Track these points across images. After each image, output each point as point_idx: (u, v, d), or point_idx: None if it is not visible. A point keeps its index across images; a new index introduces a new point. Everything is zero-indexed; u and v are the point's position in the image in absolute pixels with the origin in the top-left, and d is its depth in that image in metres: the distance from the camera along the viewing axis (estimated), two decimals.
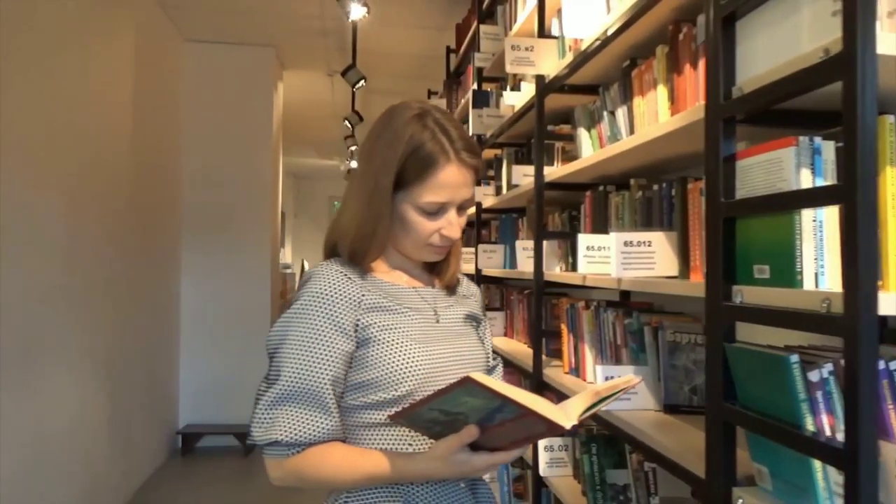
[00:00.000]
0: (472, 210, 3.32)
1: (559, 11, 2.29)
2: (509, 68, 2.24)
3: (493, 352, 1.33)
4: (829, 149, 1.01)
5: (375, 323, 1.08)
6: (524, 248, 2.48)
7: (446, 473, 1.03)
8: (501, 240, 3.23)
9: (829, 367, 0.96)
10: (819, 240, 0.99)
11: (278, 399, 1.04)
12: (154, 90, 4.40)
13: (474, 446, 1.00)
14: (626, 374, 1.06)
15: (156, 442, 4.60)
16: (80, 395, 3.27)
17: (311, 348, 1.04)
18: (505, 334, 3.18)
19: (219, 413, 5.10)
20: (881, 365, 0.88)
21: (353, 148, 7.47)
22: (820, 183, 1.00)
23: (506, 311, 3.16)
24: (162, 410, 4.75)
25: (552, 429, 0.92)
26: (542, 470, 2.18)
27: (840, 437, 0.93)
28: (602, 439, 1.88)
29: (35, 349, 2.80)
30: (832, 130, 1.01)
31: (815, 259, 0.99)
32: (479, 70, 3.32)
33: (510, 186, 2.84)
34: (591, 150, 2.10)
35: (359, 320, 1.07)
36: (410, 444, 1.08)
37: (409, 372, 1.06)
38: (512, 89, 2.91)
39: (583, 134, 2.15)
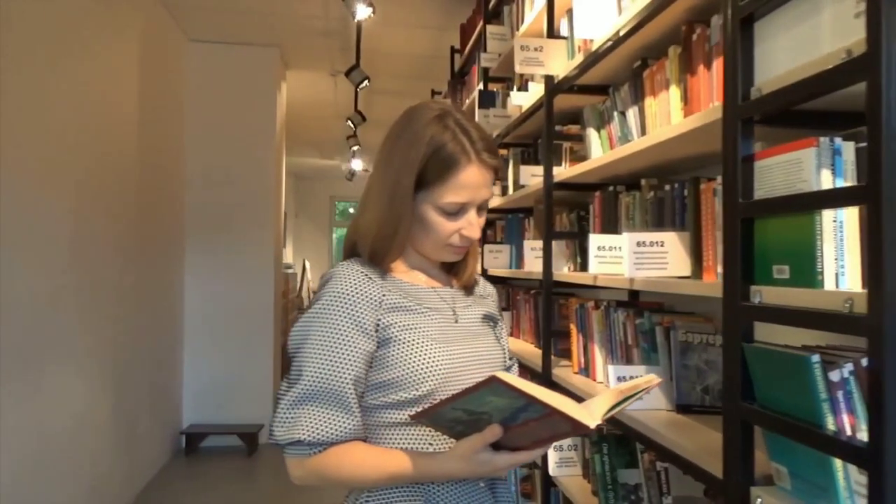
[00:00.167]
0: None
1: (568, 12, 2.30)
2: (518, 68, 2.24)
3: (508, 352, 1.33)
4: (849, 149, 1.01)
5: (396, 323, 1.08)
6: (532, 249, 2.48)
7: (468, 473, 1.03)
8: (507, 240, 3.24)
9: (849, 366, 0.97)
10: (839, 240, 0.99)
11: (300, 398, 1.04)
12: (158, 91, 4.40)
13: (496, 446, 1.00)
14: (647, 375, 1.06)
15: (159, 442, 4.60)
16: (85, 395, 3.27)
17: (332, 348, 1.05)
18: (511, 334, 3.18)
19: (222, 413, 5.11)
20: None
21: (356, 148, 7.47)
22: (840, 183, 1.00)
23: (512, 311, 3.16)
24: (166, 410, 4.75)
25: (577, 428, 0.92)
26: (552, 470, 2.19)
27: (860, 436, 0.94)
28: (613, 439, 1.88)
29: (41, 349, 2.80)
30: (852, 131, 1.02)
31: (836, 259, 0.99)
32: (485, 70, 3.33)
33: (517, 186, 2.85)
34: (600, 150, 2.10)
35: (380, 320, 1.08)
36: (431, 444, 1.08)
37: (430, 372, 1.06)
38: (519, 89, 2.92)
39: (592, 134, 2.15)
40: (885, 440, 0.83)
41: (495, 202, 3.17)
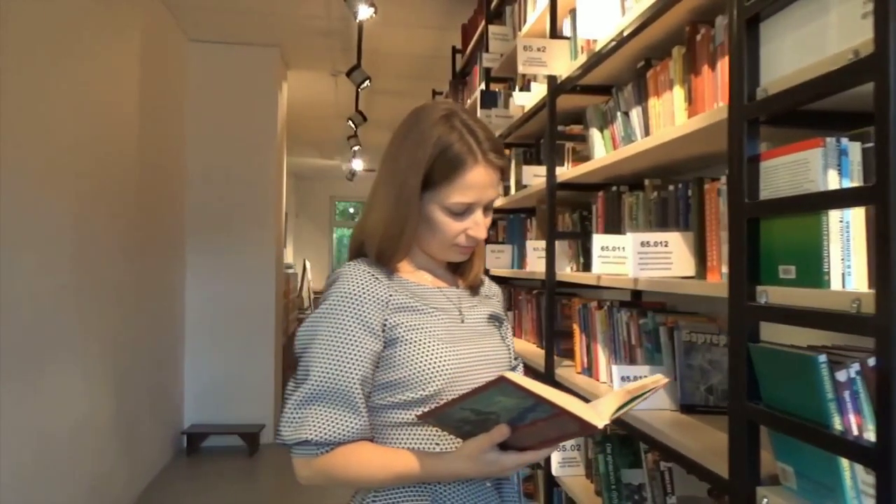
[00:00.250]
0: None
1: (571, 12, 2.30)
2: (521, 69, 2.25)
3: (513, 352, 1.33)
4: (855, 150, 1.01)
5: (403, 323, 1.08)
6: (535, 249, 2.49)
7: (475, 473, 1.03)
8: (509, 240, 3.24)
9: (856, 366, 0.97)
10: (846, 240, 1.00)
11: (308, 398, 1.04)
12: (159, 91, 4.40)
13: (503, 445, 1.01)
14: (655, 375, 1.07)
15: (161, 442, 4.61)
16: (86, 396, 3.27)
17: (340, 348, 1.05)
18: (513, 334, 3.18)
19: (223, 413, 5.11)
20: None
21: (357, 148, 7.48)
22: (847, 184, 1.00)
23: (514, 311, 3.17)
24: (167, 410, 4.75)
25: (584, 428, 0.92)
26: (555, 470, 2.19)
27: (867, 436, 0.94)
28: (617, 439, 1.88)
29: (43, 350, 2.80)
30: (858, 131, 1.02)
31: (843, 259, 0.99)
32: (487, 70, 3.33)
33: (519, 187, 2.85)
34: (603, 150, 2.10)
35: (386, 320, 1.08)
36: (438, 444, 1.08)
37: (437, 372, 1.06)
38: (521, 89, 2.92)
39: (595, 134, 2.15)
40: (893, 440, 0.83)
41: (497, 202, 3.17)
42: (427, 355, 1.07)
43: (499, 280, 3.37)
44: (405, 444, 1.08)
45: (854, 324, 0.91)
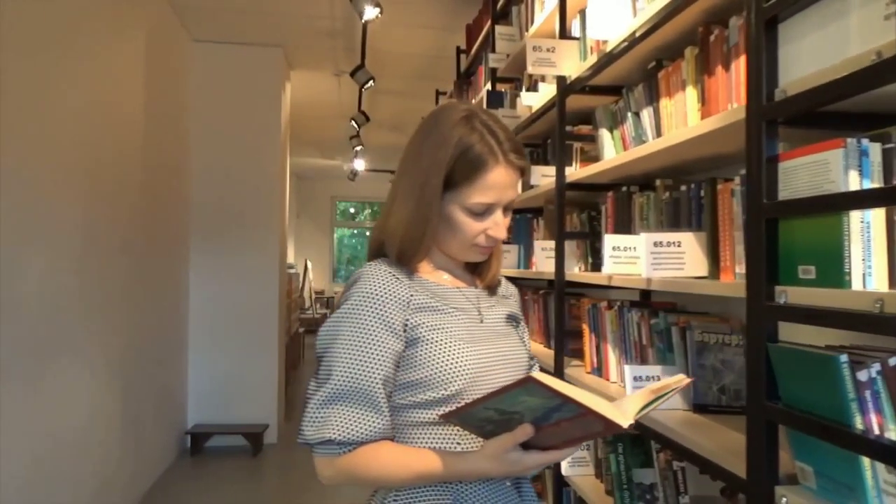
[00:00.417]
0: None
1: (580, 13, 2.31)
2: (531, 69, 2.25)
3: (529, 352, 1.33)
4: (875, 150, 1.02)
5: (424, 323, 1.09)
6: (543, 249, 2.49)
7: (497, 472, 1.04)
8: (515, 240, 3.24)
9: (876, 366, 0.97)
10: (867, 241, 1.00)
11: (330, 398, 1.04)
12: (164, 91, 4.40)
13: (525, 445, 1.01)
14: (677, 374, 1.07)
15: (165, 442, 4.61)
16: (93, 396, 3.27)
17: (362, 348, 1.05)
18: None
19: (227, 413, 5.11)
20: None
21: (359, 148, 7.48)
22: (867, 185, 1.01)
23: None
24: (171, 410, 4.75)
25: (609, 428, 0.93)
26: (564, 469, 2.19)
27: (889, 435, 0.95)
28: (628, 438, 1.89)
29: (50, 350, 2.80)
30: (878, 132, 1.02)
31: (863, 260, 1.00)
32: (493, 70, 3.33)
33: (526, 187, 2.85)
34: (613, 151, 2.11)
35: (408, 320, 1.08)
36: (459, 443, 1.09)
37: (459, 372, 1.07)
38: (527, 90, 2.92)
39: (605, 135, 2.15)
40: None
41: None
42: (448, 355, 1.07)
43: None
44: (426, 443, 1.09)
45: (877, 324, 0.91)
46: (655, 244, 1.60)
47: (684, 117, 1.67)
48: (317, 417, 1.04)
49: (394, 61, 5.43)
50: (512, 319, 1.26)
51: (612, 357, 2.08)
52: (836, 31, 1.04)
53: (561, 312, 2.33)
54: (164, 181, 4.44)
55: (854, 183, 1.01)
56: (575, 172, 2.27)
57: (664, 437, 1.52)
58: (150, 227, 4.09)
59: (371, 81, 4.80)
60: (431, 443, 1.09)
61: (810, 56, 1.10)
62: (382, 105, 6.68)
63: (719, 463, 1.29)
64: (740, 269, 1.44)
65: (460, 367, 1.07)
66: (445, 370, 1.06)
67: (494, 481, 1.10)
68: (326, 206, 12.83)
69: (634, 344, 1.94)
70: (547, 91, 2.51)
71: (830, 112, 1.13)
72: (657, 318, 1.83)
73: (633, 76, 2.04)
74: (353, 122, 6.14)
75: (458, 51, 4.72)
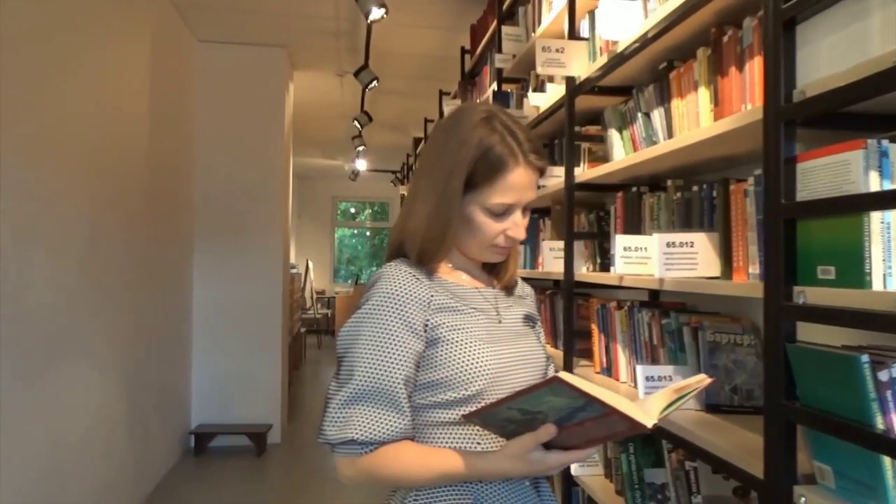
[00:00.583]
0: None
1: (589, 13, 2.31)
2: (540, 69, 2.25)
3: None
4: (895, 151, 1.02)
5: (444, 323, 1.09)
6: (551, 249, 2.49)
7: (519, 472, 1.04)
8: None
9: None
10: (887, 241, 1.00)
11: (352, 398, 1.05)
12: (169, 91, 4.40)
13: (547, 444, 1.01)
14: (699, 374, 1.07)
15: (169, 442, 4.61)
16: (98, 397, 3.27)
17: (384, 348, 1.05)
18: None
19: (231, 413, 5.11)
20: None
21: (361, 148, 7.48)
22: (887, 185, 1.01)
23: None
24: (175, 410, 4.75)
25: (633, 427, 0.93)
26: (574, 469, 2.20)
27: None
28: (639, 438, 1.89)
29: (56, 351, 2.80)
30: None
31: (884, 260, 1.00)
32: (499, 71, 3.33)
33: None
34: (622, 151, 2.11)
35: (428, 320, 1.08)
36: (479, 443, 1.09)
37: (479, 372, 1.07)
38: (534, 90, 2.92)
39: (614, 135, 2.16)
40: None
41: None
42: (469, 355, 1.07)
43: None
44: (446, 443, 1.09)
45: None
46: (668, 244, 1.61)
47: (696, 118, 1.68)
48: (339, 417, 1.05)
49: (397, 61, 5.43)
50: (529, 320, 1.26)
51: (622, 357, 2.08)
52: (857, 32, 1.05)
53: (570, 312, 2.33)
54: (168, 181, 4.44)
55: (874, 184, 1.01)
56: (584, 173, 2.28)
57: (678, 437, 1.52)
58: (154, 227, 4.09)
59: (375, 82, 4.81)
60: (452, 443, 1.09)
61: (829, 57, 1.10)
62: (385, 105, 6.68)
63: (735, 463, 1.30)
64: (753, 269, 1.44)
65: (481, 367, 1.07)
66: (466, 370, 1.07)
67: (514, 481, 1.11)
68: (327, 206, 12.82)
69: (645, 344, 1.95)
70: (555, 91, 2.52)
71: (846, 113, 1.14)
72: (668, 318, 1.83)
73: (643, 77, 2.05)
74: (355, 123, 6.14)
75: (463, 51, 4.72)
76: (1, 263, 2.33)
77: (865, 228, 1.00)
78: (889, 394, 0.97)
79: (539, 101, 2.66)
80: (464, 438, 1.09)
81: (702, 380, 1.04)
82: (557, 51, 2.24)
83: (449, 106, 4.71)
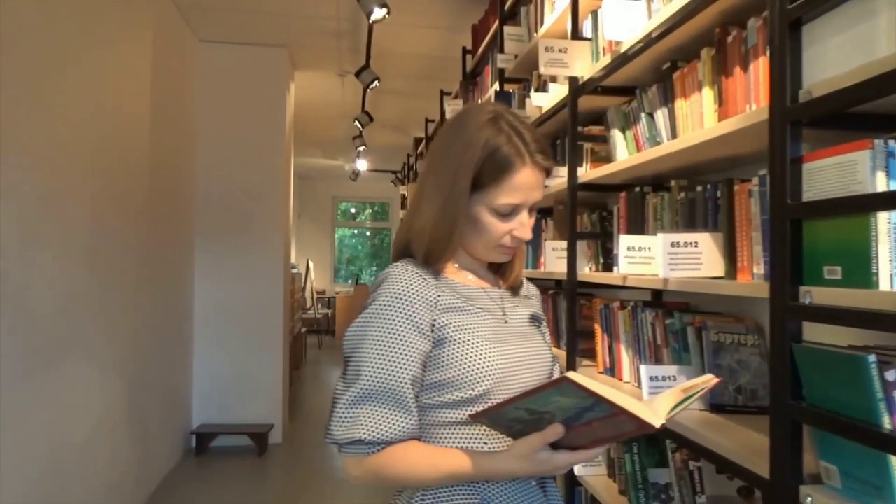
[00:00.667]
0: None
1: (592, 13, 2.31)
2: (543, 70, 2.25)
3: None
4: None
5: (451, 323, 1.09)
6: (553, 249, 2.49)
7: (526, 472, 1.04)
8: None
9: None
10: (894, 241, 1.01)
11: (359, 398, 1.05)
12: (170, 91, 4.40)
13: (554, 444, 1.01)
14: (706, 374, 1.07)
15: (171, 442, 4.61)
16: (101, 397, 3.27)
17: (391, 348, 1.06)
18: None
19: (232, 413, 5.11)
20: None
21: (362, 148, 7.48)
22: (895, 185, 1.01)
23: None
24: (176, 410, 4.75)
25: (641, 427, 0.93)
26: (577, 469, 2.20)
27: None
28: (643, 438, 1.89)
29: (59, 351, 2.80)
30: None
31: (891, 260, 1.00)
32: (501, 71, 3.33)
33: None
34: (625, 151, 2.11)
35: (435, 320, 1.09)
36: (485, 443, 1.09)
37: (486, 372, 1.07)
38: (536, 90, 2.92)
39: (617, 135, 2.16)
40: None
41: None
42: (476, 355, 1.08)
43: None
44: (453, 443, 1.09)
45: None
46: (673, 244, 1.61)
47: (700, 118, 1.68)
48: (346, 417, 1.05)
49: (398, 61, 5.43)
50: (534, 320, 1.26)
51: (625, 357, 2.09)
52: (864, 32, 1.05)
53: (573, 313, 2.33)
54: (169, 181, 4.44)
55: (881, 184, 1.01)
56: (587, 173, 2.28)
57: (682, 436, 1.52)
58: (155, 227, 4.09)
59: (376, 82, 4.81)
60: (458, 442, 1.09)
61: (836, 57, 1.10)
62: (386, 105, 6.68)
63: (741, 463, 1.30)
64: (758, 269, 1.44)
65: (488, 367, 1.07)
66: (473, 370, 1.07)
67: (520, 481, 1.11)
68: (328, 206, 12.82)
69: (649, 344, 1.95)
70: (558, 92, 2.52)
71: (853, 113, 1.14)
72: (672, 318, 1.84)
73: (646, 77, 2.05)
74: (356, 123, 6.15)
75: (464, 51, 4.72)
76: (4, 264, 2.33)
77: (872, 228, 1.01)
78: None
79: (541, 102, 2.67)
80: (471, 438, 1.09)
81: (709, 380, 1.04)
82: (560, 51, 2.24)
83: (450, 106, 4.71)
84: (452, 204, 1.11)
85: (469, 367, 1.07)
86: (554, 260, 2.50)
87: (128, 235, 3.59)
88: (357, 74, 4.80)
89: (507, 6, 3.41)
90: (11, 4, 2.37)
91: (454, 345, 1.08)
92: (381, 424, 1.04)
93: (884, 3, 1.02)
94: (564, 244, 2.39)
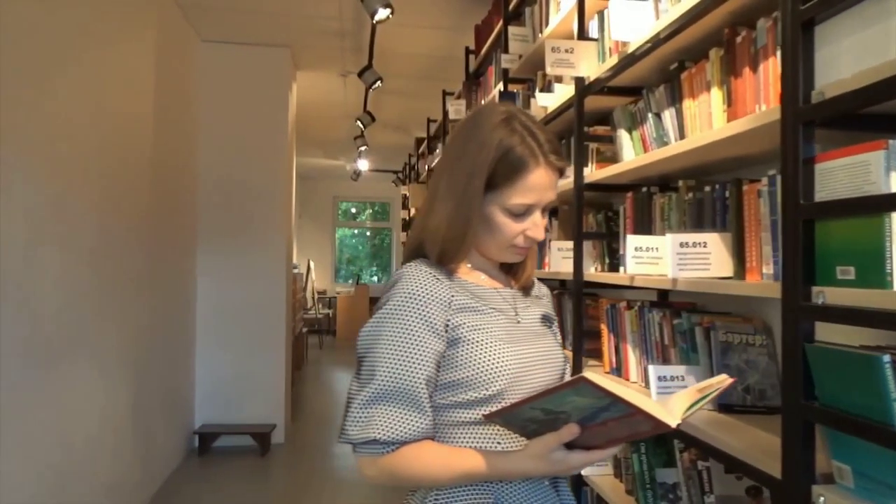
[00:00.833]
0: None
1: (598, 14, 2.32)
2: (550, 70, 2.26)
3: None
4: None
5: (465, 323, 1.09)
6: (559, 249, 2.50)
7: (541, 472, 1.04)
8: None
9: None
10: None
11: (374, 398, 1.05)
12: (173, 91, 4.40)
13: (568, 444, 1.01)
14: (720, 375, 1.08)
15: (174, 442, 4.61)
16: (104, 396, 3.27)
17: (405, 348, 1.06)
18: None
19: (235, 413, 5.11)
20: None
21: (363, 148, 7.48)
22: None
23: None
24: (179, 410, 4.75)
25: (657, 427, 0.93)
26: (584, 469, 2.20)
27: None
28: (650, 438, 1.89)
29: (63, 351, 2.80)
30: None
31: None
32: (505, 71, 3.33)
33: None
34: (632, 151, 2.12)
35: (449, 320, 1.09)
36: (499, 443, 1.09)
37: (500, 372, 1.07)
38: (541, 90, 2.93)
39: (623, 136, 2.16)
40: None
41: None
42: (490, 355, 1.08)
43: None
44: (467, 442, 1.09)
45: None
46: (682, 245, 1.61)
47: (709, 118, 1.68)
48: (361, 417, 1.05)
49: (400, 61, 5.43)
50: (546, 320, 1.26)
51: (632, 357, 2.09)
52: (878, 33, 1.05)
53: (579, 313, 2.33)
54: (172, 181, 4.44)
55: (895, 184, 1.01)
56: (594, 173, 2.28)
57: (691, 436, 1.53)
58: (158, 227, 4.09)
59: (379, 82, 4.81)
60: (472, 442, 1.09)
61: (848, 58, 1.11)
62: (388, 105, 6.68)
63: (752, 463, 1.30)
64: (767, 269, 1.44)
65: (501, 367, 1.08)
66: (487, 370, 1.07)
67: (534, 481, 1.11)
68: (328, 206, 12.82)
69: (656, 344, 1.95)
70: (563, 92, 2.52)
71: (866, 114, 1.14)
72: (680, 318, 1.84)
73: (653, 77, 2.05)
74: (358, 123, 6.15)
75: (467, 51, 4.72)
76: (8, 264, 2.33)
77: (886, 229, 1.01)
78: None
79: (547, 102, 2.67)
80: (485, 438, 1.09)
81: (723, 380, 1.04)
82: (567, 51, 2.24)
83: (453, 106, 4.70)
84: (466, 204, 1.11)
85: (483, 367, 1.07)
86: (559, 260, 2.50)
87: (130, 235, 3.59)
88: (360, 74, 4.80)
89: (511, 6, 3.41)
90: (13, 4, 2.37)
91: (468, 345, 1.08)
92: (395, 424, 1.04)
93: None
94: (570, 244, 2.39)
